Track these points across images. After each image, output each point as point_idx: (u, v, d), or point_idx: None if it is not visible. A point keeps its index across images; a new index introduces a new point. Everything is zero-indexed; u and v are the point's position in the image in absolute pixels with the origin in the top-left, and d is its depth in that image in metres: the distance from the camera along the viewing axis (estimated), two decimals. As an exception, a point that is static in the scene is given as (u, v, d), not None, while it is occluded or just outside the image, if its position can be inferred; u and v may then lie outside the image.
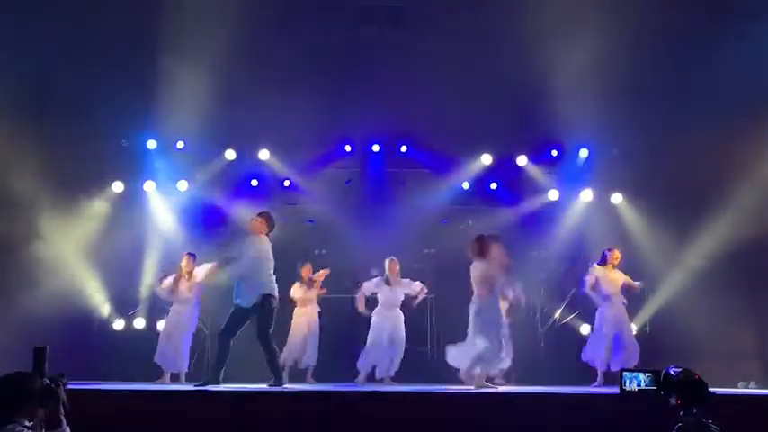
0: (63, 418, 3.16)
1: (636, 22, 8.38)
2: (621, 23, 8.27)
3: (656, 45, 8.80)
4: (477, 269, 7.02)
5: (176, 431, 5.04)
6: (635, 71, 8.86)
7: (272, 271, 6.85)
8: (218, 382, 6.53)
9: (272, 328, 6.75)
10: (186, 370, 8.18)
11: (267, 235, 6.97)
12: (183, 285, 8.13)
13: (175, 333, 8.10)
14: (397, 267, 8.28)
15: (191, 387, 6.42)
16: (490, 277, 6.94)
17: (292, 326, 8.46)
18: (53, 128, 9.12)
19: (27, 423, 3.12)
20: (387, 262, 8.30)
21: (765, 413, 5.19)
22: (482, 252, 7.04)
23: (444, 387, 7.37)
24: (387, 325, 8.11)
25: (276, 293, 6.82)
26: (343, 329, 9.04)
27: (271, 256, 6.88)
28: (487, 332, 6.81)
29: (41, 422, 3.11)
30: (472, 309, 6.95)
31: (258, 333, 6.68)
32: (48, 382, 3.16)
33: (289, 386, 6.82)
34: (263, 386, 6.52)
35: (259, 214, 7.05)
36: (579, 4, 8.55)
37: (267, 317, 6.70)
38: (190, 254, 8.31)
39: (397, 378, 8.10)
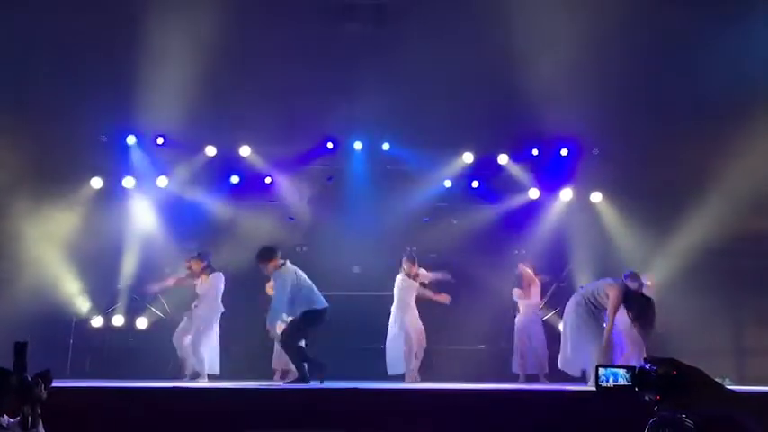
0: (39, 419, 3.04)
1: (617, 24, 8.45)
2: (603, 25, 8.34)
3: (636, 47, 8.88)
4: None
5: (158, 428, 5.01)
6: (616, 72, 8.93)
7: None
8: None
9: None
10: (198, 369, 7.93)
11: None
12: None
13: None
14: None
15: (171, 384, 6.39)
16: None
17: None
18: (31, 123, 8.99)
19: (5, 420, 3.03)
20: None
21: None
22: None
23: (419, 385, 7.43)
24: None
25: None
26: (329, 327, 9.06)
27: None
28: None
29: (25, 419, 3.00)
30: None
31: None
32: (28, 378, 3.06)
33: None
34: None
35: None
36: (562, 6, 8.62)
37: None
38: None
39: (375, 376, 8.16)
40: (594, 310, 6.99)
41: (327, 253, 9.63)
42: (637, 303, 6.89)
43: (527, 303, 8.75)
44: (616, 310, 6.83)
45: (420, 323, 8.36)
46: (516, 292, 8.79)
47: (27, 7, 8.56)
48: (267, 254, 7.40)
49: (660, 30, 8.79)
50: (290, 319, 7.35)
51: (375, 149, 10.40)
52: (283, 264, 7.40)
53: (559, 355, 7.41)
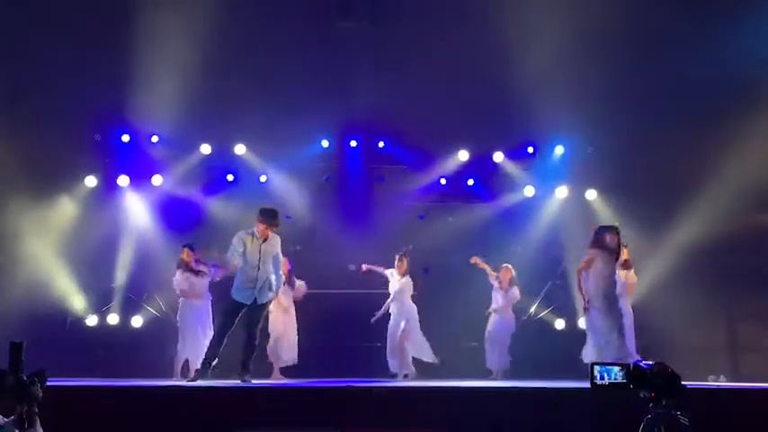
0: (36, 418, 3.03)
1: (612, 21, 8.47)
2: (596, 23, 8.36)
3: (632, 44, 8.91)
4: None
5: (153, 426, 5.00)
6: (609, 71, 8.95)
7: None
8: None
9: None
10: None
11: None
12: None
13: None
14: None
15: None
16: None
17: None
18: (26, 122, 8.96)
19: (0, 420, 3.02)
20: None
21: (734, 406, 5.30)
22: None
23: (416, 383, 7.43)
24: None
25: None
26: (325, 325, 9.07)
27: None
28: None
29: (21, 418, 3.00)
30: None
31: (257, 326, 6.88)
32: (24, 378, 3.04)
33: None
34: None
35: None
36: (558, 4, 8.63)
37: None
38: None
39: (370, 374, 8.16)
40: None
41: (323, 251, 9.64)
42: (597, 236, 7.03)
43: (502, 302, 8.82)
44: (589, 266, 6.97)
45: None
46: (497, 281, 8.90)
47: (24, 6, 8.54)
48: (277, 216, 7.03)
49: (656, 27, 8.81)
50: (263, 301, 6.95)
51: (370, 147, 10.40)
52: None
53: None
